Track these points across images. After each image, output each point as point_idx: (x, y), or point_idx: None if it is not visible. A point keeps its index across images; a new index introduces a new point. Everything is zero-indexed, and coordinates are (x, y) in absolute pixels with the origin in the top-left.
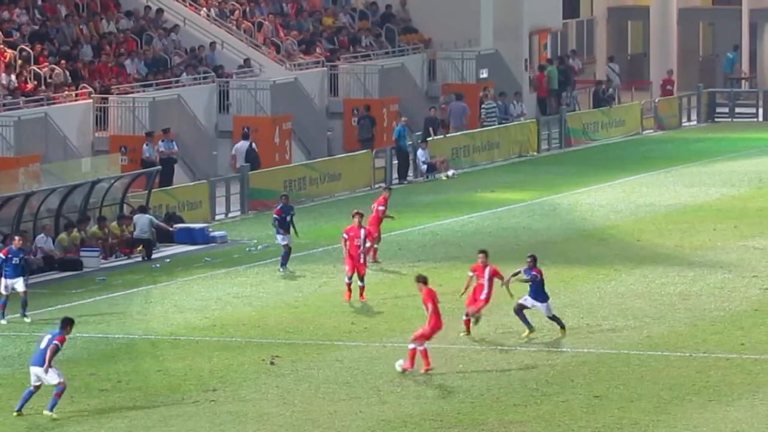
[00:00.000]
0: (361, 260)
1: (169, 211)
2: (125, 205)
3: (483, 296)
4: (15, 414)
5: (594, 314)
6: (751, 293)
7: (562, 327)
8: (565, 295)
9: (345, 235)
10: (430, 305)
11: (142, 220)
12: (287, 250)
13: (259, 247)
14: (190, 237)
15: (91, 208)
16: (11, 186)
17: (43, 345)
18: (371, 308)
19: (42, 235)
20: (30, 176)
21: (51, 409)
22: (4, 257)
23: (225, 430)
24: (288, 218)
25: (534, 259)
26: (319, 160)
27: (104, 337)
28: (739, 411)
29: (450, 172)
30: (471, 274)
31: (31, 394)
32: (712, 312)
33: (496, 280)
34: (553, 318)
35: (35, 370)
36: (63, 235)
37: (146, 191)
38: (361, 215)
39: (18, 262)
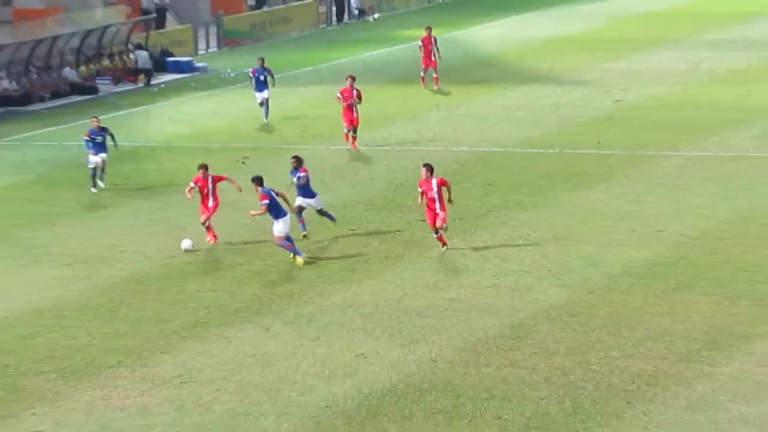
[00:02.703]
0: (354, 114)
1: (162, 48)
2: (129, 44)
3: (438, 210)
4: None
5: (486, 121)
6: (605, 104)
7: (333, 220)
8: (465, 107)
9: (339, 95)
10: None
11: (142, 55)
12: (265, 103)
13: (231, 74)
14: (179, 68)
15: (104, 47)
16: (42, 30)
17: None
18: (319, 118)
19: (67, 68)
20: (56, 23)
21: (297, 256)
22: None
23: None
24: (262, 78)
25: (298, 159)
26: (276, 8)
27: (113, 145)
28: (597, 193)
29: (375, 15)
30: (420, 189)
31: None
32: (577, 118)
33: (443, 189)
34: (322, 212)
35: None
36: (83, 68)
37: (145, 33)
38: (353, 78)
39: None
